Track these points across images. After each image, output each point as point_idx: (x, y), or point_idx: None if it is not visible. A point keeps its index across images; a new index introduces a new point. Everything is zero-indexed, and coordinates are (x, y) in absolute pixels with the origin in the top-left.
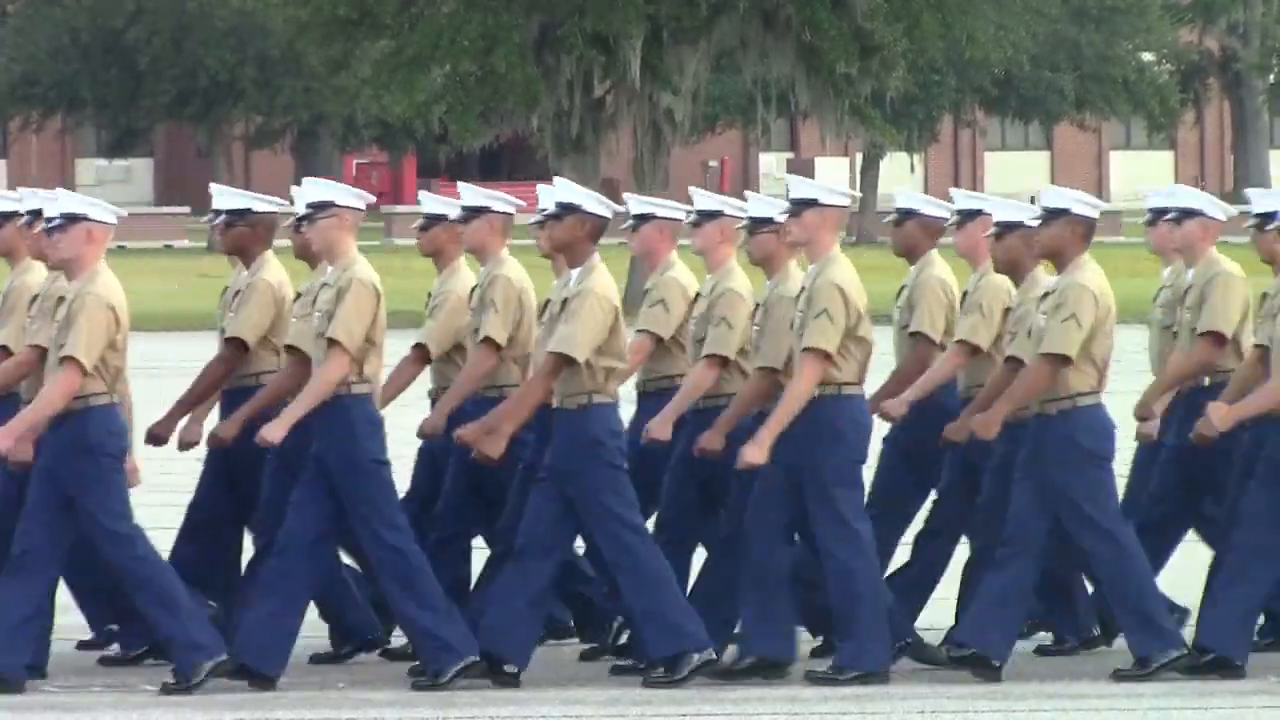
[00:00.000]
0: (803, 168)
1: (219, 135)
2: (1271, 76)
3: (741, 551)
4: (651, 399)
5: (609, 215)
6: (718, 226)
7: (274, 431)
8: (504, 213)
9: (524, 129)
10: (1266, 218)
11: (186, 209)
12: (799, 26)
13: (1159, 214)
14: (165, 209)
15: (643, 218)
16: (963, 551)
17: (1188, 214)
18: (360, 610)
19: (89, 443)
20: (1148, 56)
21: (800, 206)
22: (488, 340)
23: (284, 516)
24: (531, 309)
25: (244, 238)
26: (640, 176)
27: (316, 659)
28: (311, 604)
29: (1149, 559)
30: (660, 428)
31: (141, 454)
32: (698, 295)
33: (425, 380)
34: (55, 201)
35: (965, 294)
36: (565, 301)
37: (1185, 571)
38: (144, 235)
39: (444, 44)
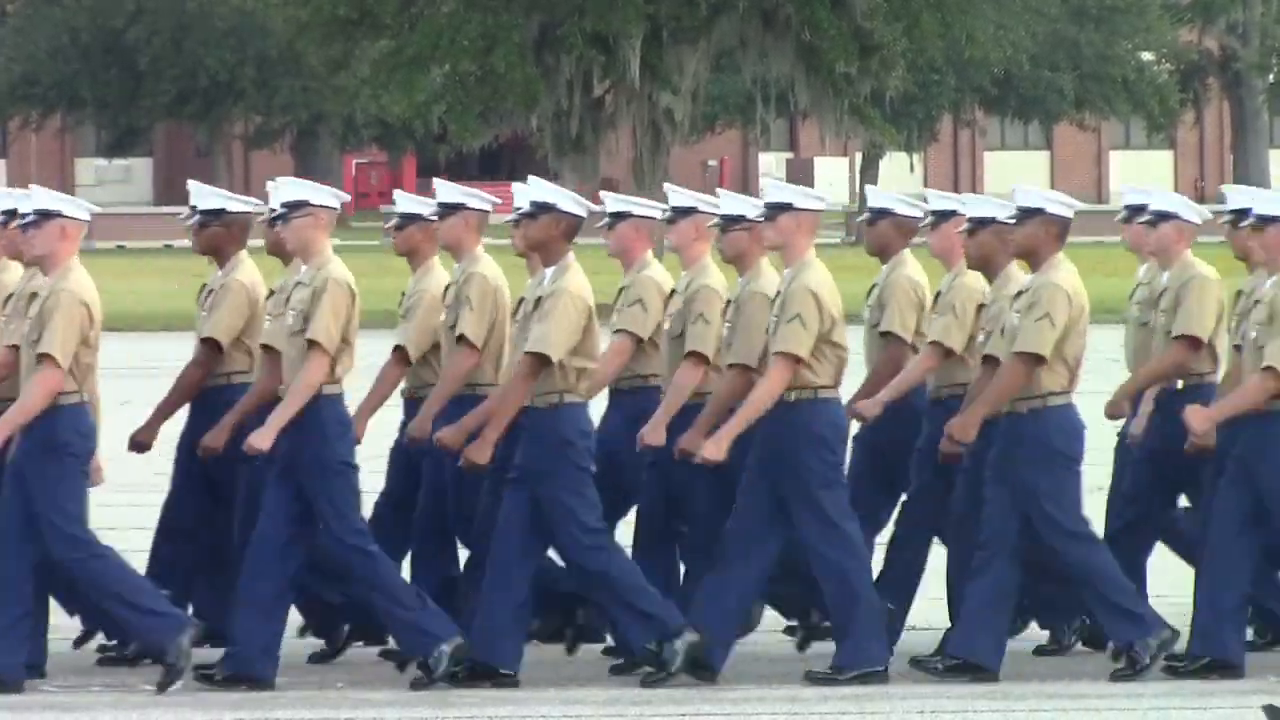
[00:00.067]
0: (802, 167)
1: (219, 135)
2: (1271, 76)
3: (718, 556)
4: (624, 397)
5: (584, 214)
6: (692, 223)
7: (262, 439)
8: (479, 210)
9: (524, 129)
10: (1240, 214)
11: (186, 209)
12: (798, 26)
13: (1135, 211)
14: (165, 209)
15: (619, 216)
16: (942, 551)
17: (1163, 217)
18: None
19: (56, 441)
20: (1147, 56)
21: (775, 210)
22: (464, 339)
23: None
24: (506, 307)
25: (218, 238)
26: (640, 176)
27: (315, 658)
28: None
29: (1125, 559)
30: (653, 433)
31: (106, 454)
32: (673, 292)
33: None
34: (29, 199)
35: (938, 294)
36: (539, 300)
37: (1185, 571)
38: (144, 235)
39: (444, 44)
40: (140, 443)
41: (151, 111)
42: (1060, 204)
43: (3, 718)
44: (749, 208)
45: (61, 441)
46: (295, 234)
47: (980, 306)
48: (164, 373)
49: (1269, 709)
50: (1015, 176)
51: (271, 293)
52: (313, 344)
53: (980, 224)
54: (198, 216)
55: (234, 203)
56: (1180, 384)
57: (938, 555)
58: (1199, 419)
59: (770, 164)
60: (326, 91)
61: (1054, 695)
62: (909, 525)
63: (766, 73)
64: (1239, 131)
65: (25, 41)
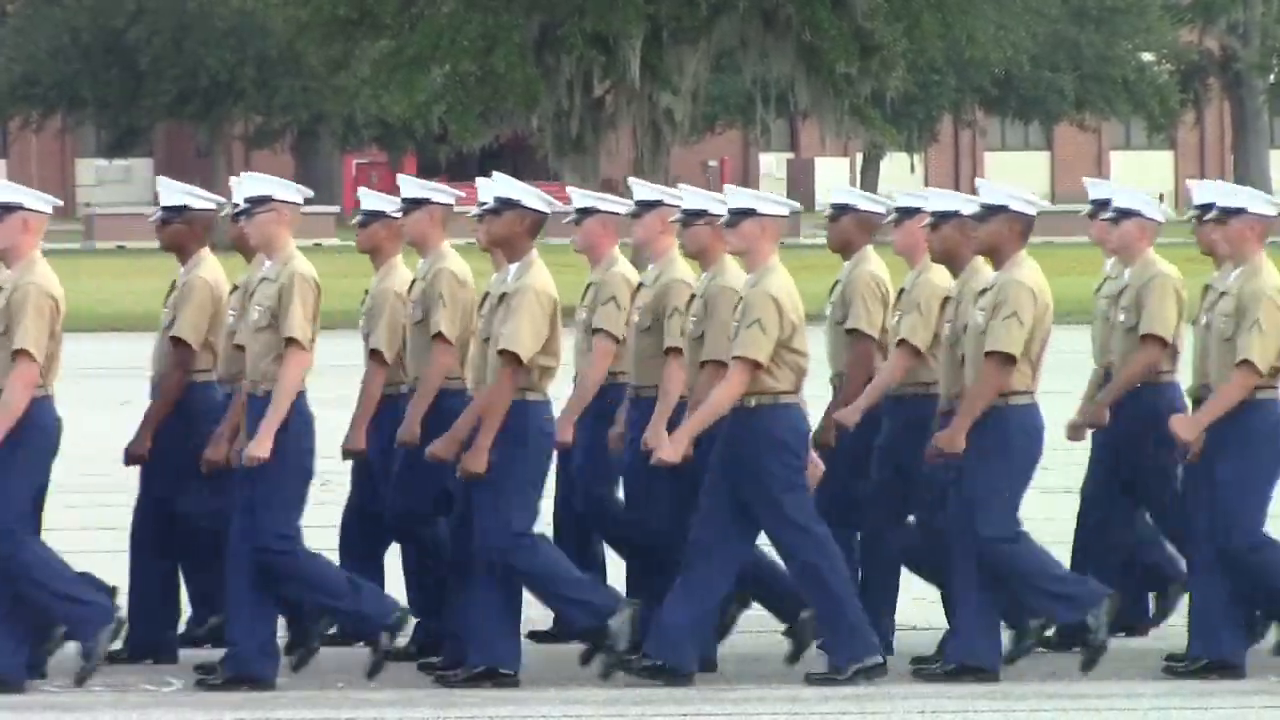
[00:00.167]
0: (803, 168)
1: (219, 135)
2: (1272, 76)
3: (685, 564)
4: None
5: (548, 210)
6: (658, 216)
7: (260, 448)
8: (444, 204)
9: (524, 129)
10: (1205, 209)
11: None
12: (799, 26)
13: (1100, 205)
14: None
15: (585, 211)
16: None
17: (1125, 214)
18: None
19: (19, 436)
20: (1148, 56)
21: (739, 216)
22: (441, 336)
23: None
24: (473, 303)
25: (180, 235)
26: (640, 176)
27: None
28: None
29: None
30: (655, 439)
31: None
32: (640, 286)
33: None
34: None
35: (901, 291)
36: (503, 296)
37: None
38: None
39: (444, 44)
40: (136, 456)
41: (152, 111)
42: (1024, 201)
43: (3, 718)
44: (711, 203)
45: (24, 436)
46: (258, 229)
47: (945, 301)
48: None
49: None
50: (1016, 177)
51: (235, 289)
52: (291, 341)
53: (943, 218)
54: (160, 213)
55: (197, 199)
56: (1139, 383)
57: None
58: (1186, 428)
59: (771, 164)
60: (327, 91)
61: (1054, 695)
62: (874, 524)
63: (767, 73)
64: (1239, 132)
65: (26, 41)
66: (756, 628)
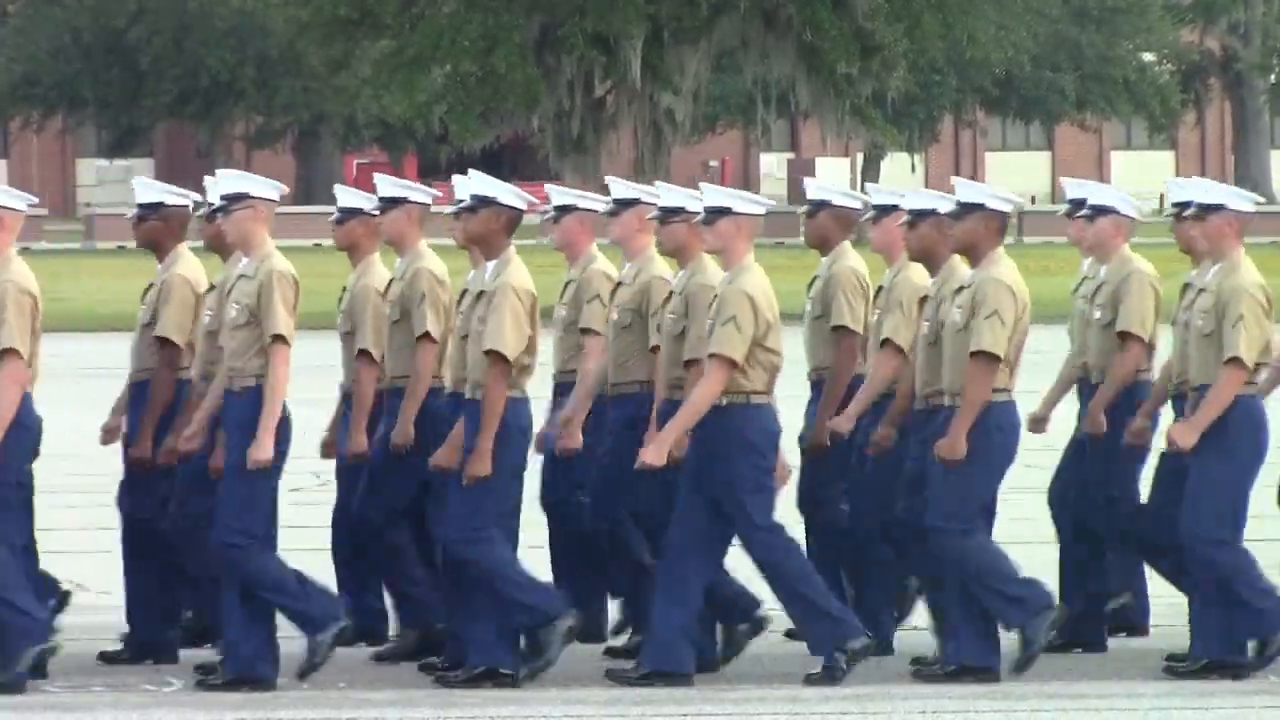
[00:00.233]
0: (803, 168)
1: (220, 135)
2: (1273, 76)
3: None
4: (568, 391)
5: (524, 208)
6: (635, 214)
7: (262, 450)
8: (420, 204)
9: (525, 129)
10: (1183, 206)
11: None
12: (800, 26)
13: (1077, 205)
14: None
15: (563, 209)
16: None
17: (1101, 211)
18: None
19: None
20: (1149, 57)
21: (714, 215)
22: (428, 336)
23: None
24: (452, 301)
25: (156, 232)
26: (641, 177)
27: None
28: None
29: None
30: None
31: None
32: (618, 284)
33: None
34: None
35: (879, 289)
36: (481, 294)
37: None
38: None
39: (444, 44)
40: (140, 460)
41: (152, 112)
42: (1000, 199)
43: (4, 718)
44: (688, 200)
45: (7, 434)
46: (235, 226)
47: (923, 301)
48: None
49: None
50: (1017, 177)
51: (212, 287)
52: (277, 338)
53: (920, 216)
54: (136, 210)
55: (172, 196)
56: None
57: None
58: (1186, 435)
59: (771, 164)
60: (327, 92)
61: (1054, 695)
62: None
63: (768, 73)
64: (1240, 132)
65: (26, 41)
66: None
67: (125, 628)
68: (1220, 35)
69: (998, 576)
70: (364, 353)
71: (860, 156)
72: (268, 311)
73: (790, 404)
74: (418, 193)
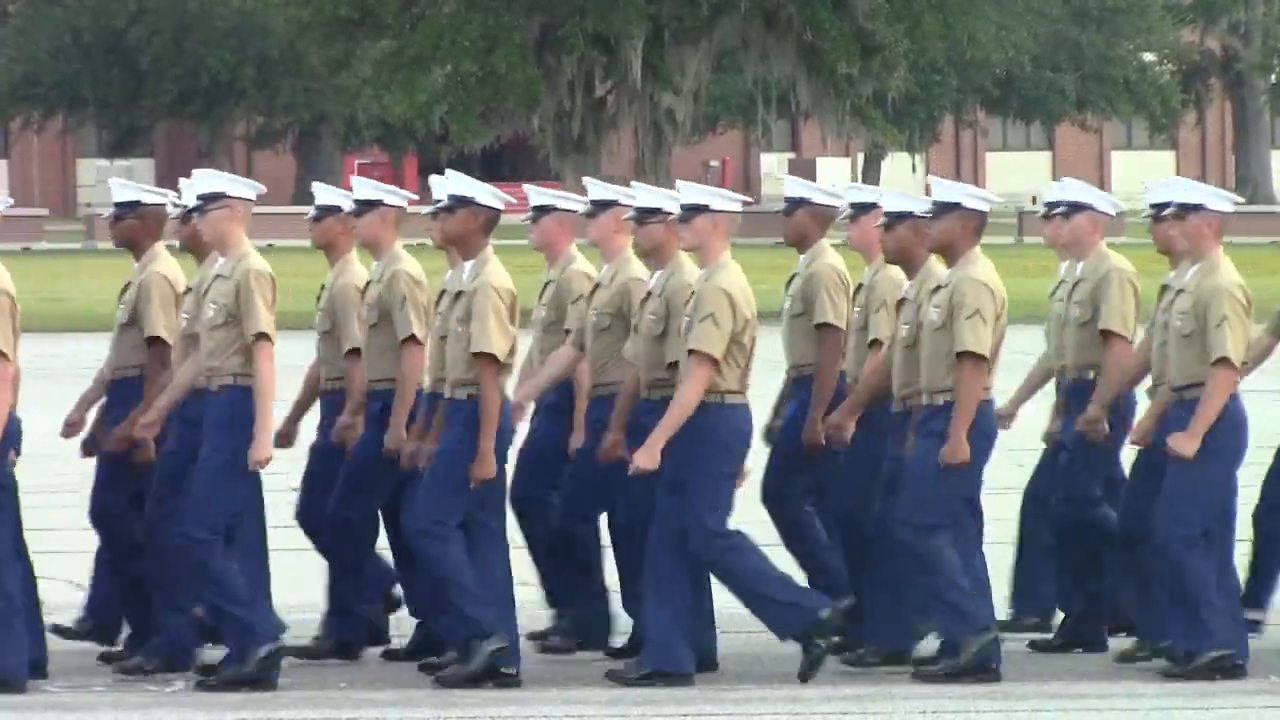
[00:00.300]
0: (804, 168)
1: (220, 135)
2: (1273, 76)
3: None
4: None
5: (501, 208)
6: (612, 216)
7: (263, 450)
8: (396, 206)
9: (525, 129)
10: (1161, 207)
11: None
12: (800, 27)
13: (1053, 207)
14: None
15: (542, 209)
16: None
17: (1076, 208)
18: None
19: None
20: (1149, 57)
21: (691, 212)
22: (413, 338)
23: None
24: (431, 301)
25: (133, 230)
26: (642, 177)
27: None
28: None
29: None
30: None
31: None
32: (597, 286)
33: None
34: None
35: (859, 287)
36: (459, 294)
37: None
38: None
39: (445, 44)
40: (140, 462)
41: (153, 112)
42: (977, 199)
43: (4, 718)
44: (665, 200)
45: None
46: (211, 226)
47: (901, 303)
48: None
49: None
50: (1017, 177)
51: (188, 290)
52: (261, 336)
53: (897, 218)
54: (113, 209)
55: (149, 195)
56: (1091, 374)
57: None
58: (1185, 444)
59: (772, 164)
60: (328, 92)
61: (1055, 695)
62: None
63: (768, 73)
64: (1241, 132)
65: (27, 41)
66: (757, 628)
67: (125, 629)
68: (1221, 35)
69: (950, 582)
70: (354, 351)
71: (861, 157)
72: (249, 310)
73: (760, 402)
74: (393, 196)
